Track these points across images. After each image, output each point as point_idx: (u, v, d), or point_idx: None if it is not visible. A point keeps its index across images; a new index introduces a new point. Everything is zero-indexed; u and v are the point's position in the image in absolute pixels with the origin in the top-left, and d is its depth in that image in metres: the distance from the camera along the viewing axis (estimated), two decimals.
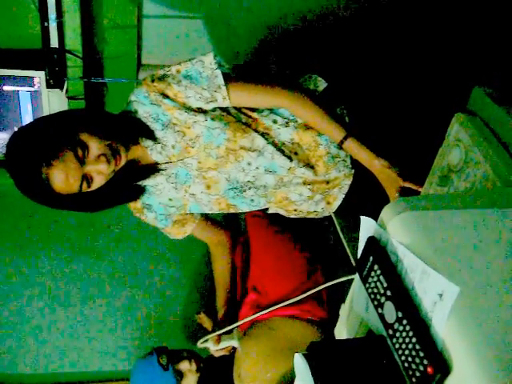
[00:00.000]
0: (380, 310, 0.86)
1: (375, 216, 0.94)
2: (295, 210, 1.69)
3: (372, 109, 1.61)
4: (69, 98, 2.26)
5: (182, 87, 1.49)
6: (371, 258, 0.87)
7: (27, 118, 2.34)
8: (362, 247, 0.93)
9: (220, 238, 1.94)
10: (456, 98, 1.23)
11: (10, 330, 2.70)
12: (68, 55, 2.18)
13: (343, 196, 1.66)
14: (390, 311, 0.83)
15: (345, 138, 1.51)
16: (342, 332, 1.09)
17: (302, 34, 2.34)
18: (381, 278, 0.84)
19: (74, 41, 2.18)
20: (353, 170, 1.62)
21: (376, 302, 0.87)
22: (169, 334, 2.67)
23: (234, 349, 1.84)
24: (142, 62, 2.59)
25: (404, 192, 1.44)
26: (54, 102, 2.26)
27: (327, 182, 1.63)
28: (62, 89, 2.22)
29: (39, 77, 2.23)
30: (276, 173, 1.57)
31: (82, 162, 1.37)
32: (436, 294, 0.76)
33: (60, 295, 2.70)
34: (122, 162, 1.45)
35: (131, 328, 2.70)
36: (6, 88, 2.26)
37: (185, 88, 1.49)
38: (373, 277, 0.87)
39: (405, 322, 0.79)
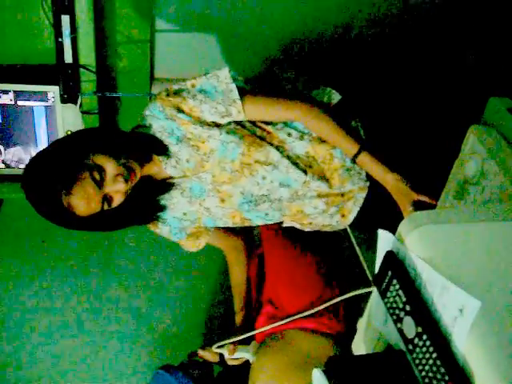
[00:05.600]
0: (399, 325, 0.85)
1: (391, 229, 0.93)
2: (310, 224, 1.69)
3: (387, 121, 1.61)
4: (83, 112, 2.28)
5: (197, 101, 1.50)
6: (389, 273, 0.86)
7: (42, 133, 2.36)
8: (380, 261, 0.93)
9: (235, 243, 1.93)
10: (471, 110, 1.23)
11: (16, 342, 2.68)
12: (82, 70, 2.20)
13: (358, 209, 1.65)
14: (410, 326, 0.82)
15: (358, 153, 1.50)
16: (359, 346, 1.08)
17: (316, 47, 2.35)
18: (400, 292, 0.84)
19: (87, 56, 2.20)
20: (368, 183, 1.61)
21: (395, 317, 0.86)
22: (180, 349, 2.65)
23: (247, 361, 1.82)
24: (154, 76, 2.61)
25: (418, 206, 1.43)
26: (69, 116, 2.28)
27: (342, 195, 1.62)
28: (76, 103, 2.24)
29: (53, 92, 2.25)
30: (290, 186, 1.57)
31: (100, 184, 1.39)
32: (456, 308, 0.75)
33: (70, 310, 2.69)
34: (137, 177, 1.47)
35: (143, 343, 2.68)
36: (20, 103, 2.28)
37: (200, 102, 1.50)
38: (391, 291, 0.86)
39: (425, 337, 0.79)
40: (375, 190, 1.62)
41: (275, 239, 1.92)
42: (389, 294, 0.87)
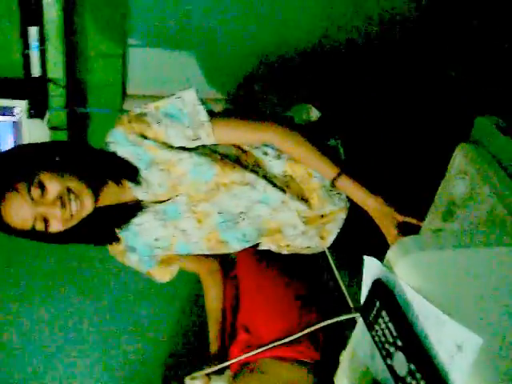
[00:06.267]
0: (389, 361, 0.77)
1: (373, 252, 0.87)
2: (288, 246, 1.61)
3: (368, 139, 1.55)
4: (51, 128, 2.18)
5: (162, 126, 1.41)
6: (377, 303, 0.79)
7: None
8: (367, 290, 0.85)
9: (210, 265, 1.84)
10: (457, 128, 1.17)
11: None
12: (50, 84, 2.11)
13: (338, 231, 1.58)
14: (401, 363, 0.74)
15: (337, 176, 1.43)
16: (342, 381, 1.00)
17: (295, 63, 2.29)
18: (389, 325, 0.76)
19: (56, 69, 2.12)
20: (348, 204, 1.55)
21: (384, 352, 0.78)
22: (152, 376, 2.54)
23: None
24: (127, 92, 2.53)
25: (403, 228, 1.37)
26: (36, 132, 2.19)
27: (322, 216, 1.56)
28: (43, 119, 2.14)
29: (20, 106, 2.15)
30: (269, 204, 1.50)
31: (34, 200, 1.29)
32: (454, 345, 0.68)
33: (37, 335, 2.58)
34: (85, 209, 1.34)
35: (115, 369, 2.57)
36: None
37: (165, 127, 1.41)
38: (380, 324, 0.79)
39: (418, 375, 0.71)
40: (354, 210, 1.55)
41: (250, 261, 1.85)
42: (377, 327, 0.79)
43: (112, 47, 2.31)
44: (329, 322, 1.50)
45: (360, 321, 0.88)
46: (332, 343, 1.65)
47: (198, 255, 1.73)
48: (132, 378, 2.49)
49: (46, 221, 1.31)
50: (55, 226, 1.33)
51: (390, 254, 0.81)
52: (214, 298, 1.83)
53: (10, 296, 2.61)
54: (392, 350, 0.76)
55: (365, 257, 0.87)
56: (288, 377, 1.57)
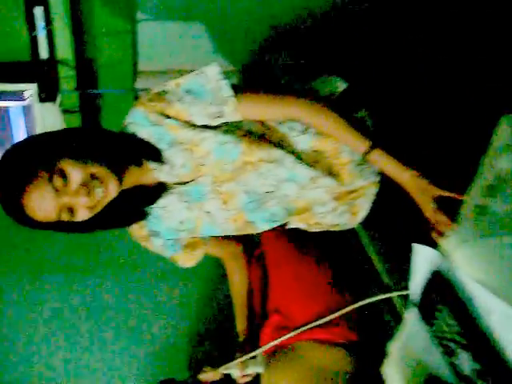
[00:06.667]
0: (451, 359, 0.72)
1: (407, 230, 0.81)
2: (317, 224, 1.55)
3: (398, 110, 1.46)
4: (63, 111, 2.12)
5: (184, 104, 1.34)
6: (437, 297, 0.73)
7: (20, 135, 2.20)
8: (423, 283, 0.79)
9: (234, 249, 1.80)
10: (501, 96, 1.09)
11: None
12: (60, 66, 2.04)
13: (369, 206, 1.52)
14: (466, 361, 0.69)
15: (370, 150, 1.36)
16: (393, 374, 0.95)
17: (312, 26, 2.19)
18: (450, 321, 0.71)
19: (65, 50, 2.05)
20: (379, 177, 1.48)
21: (445, 349, 0.73)
22: (175, 362, 2.51)
23: (258, 374, 1.70)
24: (138, 69, 2.45)
25: (441, 203, 1.29)
26: (48, 116, 2.12)
27: (352, 192, 1.49)
28: (55, 102, 2.08)
29: (30, 90, 2.09)
30: (297, 181, 1.43)
31: (60, 192, 1.22)
32: None
33: (62, 320, 2.57)
34: (110, 194, 1.28)
35: (137, 355, 2.55)
36: None
37: (188, 105, 1.34)
38: (439, 319, 0.73)
39: (486, 376, 0.66)
40: (385, 183, 1.48)
41: (277, 239, 1.80)
42: (436, 322, 0.74)
43: (120, 23, 2.22)
44: (364, 302, 1.45)
45: (412, 315, 0.82)
46: (366, 321, 1.60)
47: (221, 239, 1.68)
48: (159, 362, 2.48)
49: (71, 210, 1.26)
50: (82, 215, 1.27)
51: (446, 243, 0.75)
52: (238, 282, 1.78)
53: (30, 284, 2.59)
54: (455, 347, 0.70)
55: (415, 245, 0.82)
56: (325, 360, 1.53)
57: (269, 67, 2.30)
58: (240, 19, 2.39)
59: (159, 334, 2.54)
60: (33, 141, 1.34)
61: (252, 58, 2.42)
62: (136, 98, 2.31)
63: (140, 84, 2.36)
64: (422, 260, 0.80)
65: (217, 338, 2.14)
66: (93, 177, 1.25)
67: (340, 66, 1.52)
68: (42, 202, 1.22)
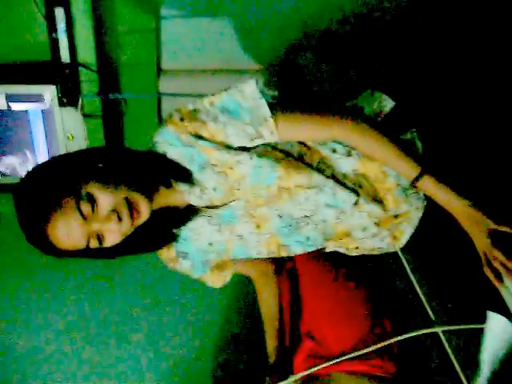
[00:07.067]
0: None
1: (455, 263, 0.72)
2: (356, 248, 1.46)
3: (450, 131, 1.35)
4: (84, 115, 2.02)
5: (219, 124, 1.24)
6: None
7: (40, 138, 2.12)
8: (494, 357, 0.70)
9: (264, 268, 1.72)
10: None
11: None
12: (81, 69, 1.95)
13: (412, 230, 1.42)
14: None
15: (419, 176, 1.26)
16: None
17: (347, 31, 2.07)
18: None
19: (86, 52, 1.95)
20: (425, 202, 1.38)
21: None
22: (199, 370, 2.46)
23: None
24: (161, 67, 2.35)
25: (495, 238, 1.19)
26: (69, 120, 2.03)
27: (395, 216, 1.39)
28: (76, 106, 1.98)
29: (49, 92, 1.99)
30: (338, 207, 1.34)
31: (88, 218, 1.14)
32: None
33: (76, 329, 2.52)
34: (143, 217, 1.20)
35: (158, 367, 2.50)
36: (13, 107, 2.03)
37: (223, 125, 1.24)
38: None
39: None
40: (431, 206, 1.38)
41: (312, 258, 1.70)
42: None
43: (144, 21, 2.13)
44: (409, 335, 1.36)
45: None
46: (406, 354, 1.51)
47: (250, 259, 1.59)
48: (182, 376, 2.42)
49: (99, 236, 1.18)
50: (112, 241, 1.18)
51: (505, 291, 0.66)
52: (269, 302, 1.71)
53: (56, 289, 2.54)
54: None
55: (491, 313, 0.72)
56: None
57: (298, 68, 2.19)
58: (267, 18, 2.28)
59: (185, 341, 2.48)
60: (55, 163, 1.25)
61: (280, 58, 2.32)
62: (159, 101, 2.22)
63: (164, 83, 2.27)
64: (496, 329, 0.71)
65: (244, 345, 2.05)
66: (125, 201, 1.17)
67: (386, 81, 1.41)
68: (69, 231, 1.13)
